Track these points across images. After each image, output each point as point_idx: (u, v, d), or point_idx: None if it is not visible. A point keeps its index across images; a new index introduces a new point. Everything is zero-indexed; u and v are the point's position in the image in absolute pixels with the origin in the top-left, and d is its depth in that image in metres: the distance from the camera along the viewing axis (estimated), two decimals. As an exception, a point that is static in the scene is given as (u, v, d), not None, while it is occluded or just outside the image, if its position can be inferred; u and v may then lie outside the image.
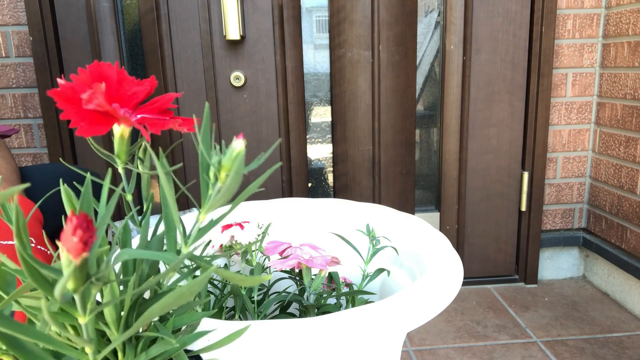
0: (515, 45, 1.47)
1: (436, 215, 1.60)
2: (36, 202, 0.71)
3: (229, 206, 0.31)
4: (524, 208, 1.57)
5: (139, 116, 0.33)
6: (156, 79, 1.37)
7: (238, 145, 0.28)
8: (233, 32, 1.36)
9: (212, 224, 0.31)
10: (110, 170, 0.32)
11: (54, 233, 0.80)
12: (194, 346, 0.34)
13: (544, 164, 1.52)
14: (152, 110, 0.34)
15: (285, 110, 1.48)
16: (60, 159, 1.40)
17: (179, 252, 0.32)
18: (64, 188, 0.32)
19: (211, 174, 0.29)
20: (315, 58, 1.52)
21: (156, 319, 0.33)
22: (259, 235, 0.64)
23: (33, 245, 0.65)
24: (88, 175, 0.30)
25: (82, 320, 0.25)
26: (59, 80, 0.31)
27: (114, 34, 1.41)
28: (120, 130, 0.35)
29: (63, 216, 0.35)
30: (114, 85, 0.33)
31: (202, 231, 0.31)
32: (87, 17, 1.38)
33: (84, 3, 1.38)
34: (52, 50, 1.36)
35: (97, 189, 0.94)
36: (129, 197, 0.38)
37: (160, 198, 0.35)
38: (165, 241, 0.33)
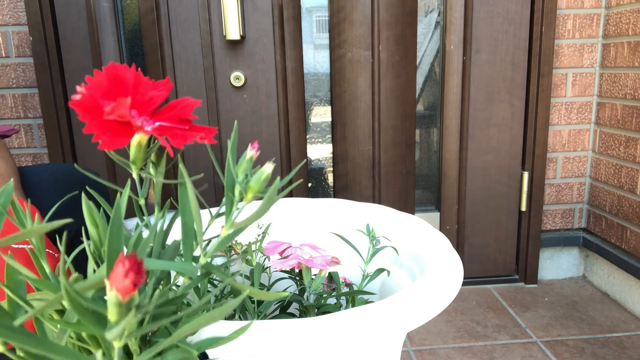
0: (515, 45, 1.47)
1: (436, 215, 1.60)
2: (35, 202, 0.71)
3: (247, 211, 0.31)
4: (524, 208, 1.57)
5: (157, 124, 0.32)
6: (157, 79, 1.37)
7: (267, 168, 0.29)
8: (233, 32, 1.36)
9: (231, 236, 0.32)
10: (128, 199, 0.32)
11: (55, 233, 0.80)
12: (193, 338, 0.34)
13: (544, 164, 1.52)
14: (171, 118, 0.32)
15: (285, 110, 1.48)
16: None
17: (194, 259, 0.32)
18: (85, 201, 0.32)
19: (236, 192, 0.29)
20: (315, 58, 1.52)
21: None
22: (259, 235, 0.64)
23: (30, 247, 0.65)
24: (117, 204, 0.29)
25: (117, 344, 0.25)
26: (79, 89, 0.30)
27: (114, 34, 1.41)
28: (138, 138, 0.33)
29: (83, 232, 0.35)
30: (130, 90, 0.32)
31: (222, 244, 0.31)
32: (87, 17, 1.38)
33: (84, 3, 1.38)
34: (52, 50, 1.36)
35: (97, 190, 0.94)
36: (142, 202, 0.37)
37: (180, 207, 0.34)
38: (182, 250, 0.33)
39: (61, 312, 0.32)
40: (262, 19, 1.42)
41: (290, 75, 1.45)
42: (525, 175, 1.54)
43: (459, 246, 1.60)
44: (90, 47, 1.40)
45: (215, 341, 0.32)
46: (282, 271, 0.63)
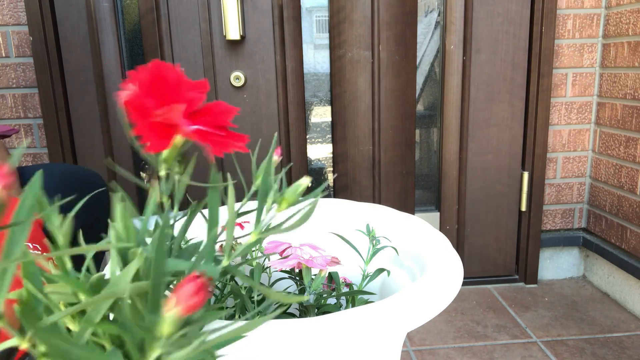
0: (515, 45, 1.47)
1: (436, 215, 1.60)
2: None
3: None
4: (524, 208, 1.57)
5: (194, 127, 0.31)
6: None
7: (304, 181, 0.29)
8: (233, 32, 1.36)
9: (258, 242, 0.32)
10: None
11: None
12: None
13: (544, 164, 1.52)
14: (209, 122, 0.32)
15: (285, 110, 1.48)
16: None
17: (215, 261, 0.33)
18: (117, 201, 0.32)
19: (269, 201, 0.30)
20: (315, 58, 1.52)
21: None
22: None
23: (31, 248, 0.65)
24: (162, 226, 0.29)
25: (155, 353, 0.25)
26: (127, 86, 0.30)
27: (114, 34, 1.41)
28: (176, 139, 0.34)
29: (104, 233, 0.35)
30: (171, 89, 0.31)
31: (248, 248, 0.31)
32: (87, 17, 1.38)
33: (84, 3, 1.38)
34: (52, 50, 1.36)
35: (99, 192, 0.94)
36: (165, 200, 0.37)
37: (209, 211, 0.35)
38: (203, 251, 0.33)
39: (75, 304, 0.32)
40: (262, 19, 1.42)
41: (290, 75, 1.45)
42: (525, 175, 1.54)
43: (459, 246, 1.60)
44: (90, 47, 1.40)
45: (228, 342, 0.32)
46: (282, 271, 0.63)
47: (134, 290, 0.27)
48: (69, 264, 0.33)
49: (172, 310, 0.23)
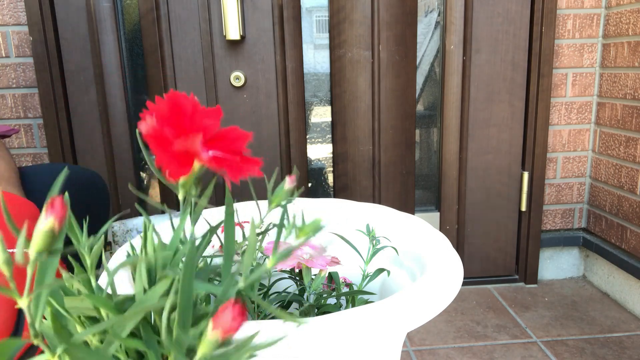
0: (515, 46, 1.47)
1: (436, 215, 1.60)
2: (36, 202, 0.71)
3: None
4: (524, 208, 1.57)
5: (210, 153, 0.33)
6: (156, 79, 1.37)
7: (323, 219, 0.31)
8: (233, 32, 1.36)
9: (270, 267, 0.33)
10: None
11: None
12: None
13: (544, 164, 1.52)
14: (224, 148, 0.34)
15: (285, 110, 1.48)
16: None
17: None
18: (148, 224, 0.33)
19: (288, 231, 0.31)
20: (315, 58, 1.52)
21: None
22: (259, 235, 0.64)
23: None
24: (188, 261, 0.30)
25: None
26: (147, 118, 0.31)
27: (114, 34, 1.41)
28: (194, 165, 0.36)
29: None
30: (188, 118, 0.33)
31: (261, 272, 0.32)
32: (87, 17, 1.38)
33: (84, 3, 1.38)
34: (52, 50, 1.36)
35: (97, 190, 0.94)
36: (188, 222, 0.38)
37: (225, 233, 0.36)
38: (222, 273, 0.34)
39: (93, 318, 0.33)
40: (262, 19, 1.42)
41: (290, 75, 1.45)
42: (525, 175, 1.55)
43: (459, 246, 1.60)
44: (90, 47, 1.40)
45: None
46: (282, 271, 0.63)
47: (163, 308, 0.28)
48: (94, 282, 0.34)
49: (213, 334, 0.25)
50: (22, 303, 0.24)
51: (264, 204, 0.78)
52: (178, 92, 0.33)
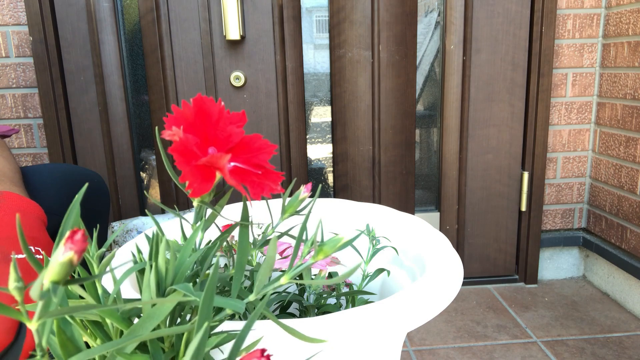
0: (515, 45, 1.47)
1: (436, 215, 1.60)
2: (37, 202, 0.71)
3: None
4: (524, 208, 1.57)
5: (232, 164, 0.32)
6: (156, 79, 1.36)
7: (345, 236, 0.31)
8: (233, 32, 1.36)
9: (276, 280, 0.33)
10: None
11: (56, 232, 0.80)
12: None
13: (544, 164, 1.52)
14: (247, 160, 0.33)
15: (285, 110, 1.48)
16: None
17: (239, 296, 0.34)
18: (160, 236, 0.33)
19: (306, 248, 0.31)
20: (315, 58, 1.52)
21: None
22: (259, 235, 0.64)
23: (34, 251, 0.65)
24: (210, 281, 0.29)
25: None
26: (175, 130, 0.30)
27: (114, 34, 1.41)
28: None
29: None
30: (212, 125, 0.32)
31: (272, 284, 0.32)
32: (87, 17, 1.38)
33: (84, 3, 1.38)
34: (52, 50, 1.36)
35: (98, 191, 0.94)
36: (200, 229, 0.38)
37: (238, 247, 0.37)
38: (233, 285, 0.34)
39: (96, 322, 0.33)
40: (262, 19, 1.42)
41: (290, 75, 1.45)
42: (525, 175, 1.55)
43: (459, 246, 1.60)
44: (90, 47, 1.40)
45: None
46: (282, 271, 0.63)
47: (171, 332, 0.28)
48: (100, 290, 0.34)
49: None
50: (32, 326, 0.24)
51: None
52: (205, 96, 0.32)
